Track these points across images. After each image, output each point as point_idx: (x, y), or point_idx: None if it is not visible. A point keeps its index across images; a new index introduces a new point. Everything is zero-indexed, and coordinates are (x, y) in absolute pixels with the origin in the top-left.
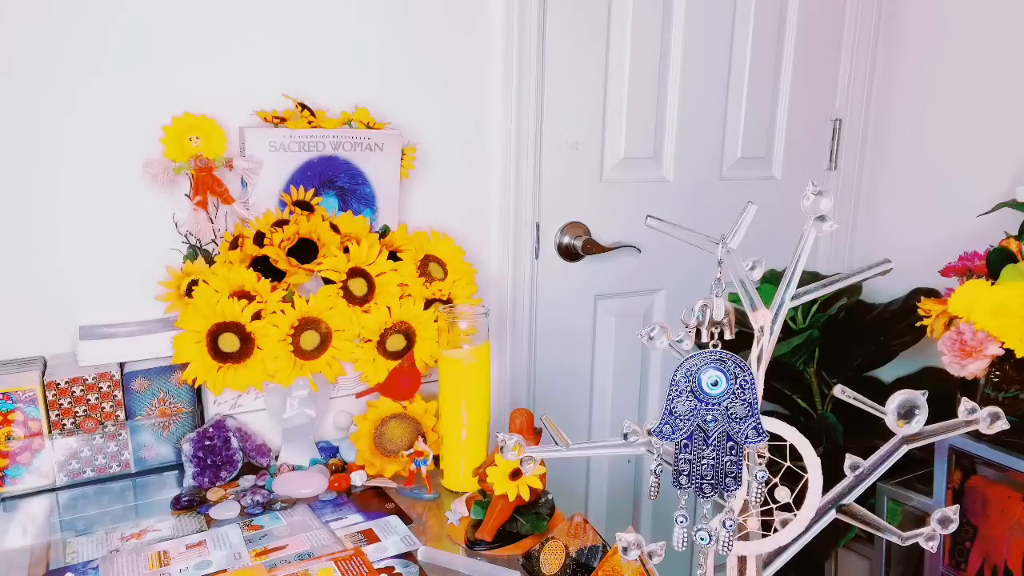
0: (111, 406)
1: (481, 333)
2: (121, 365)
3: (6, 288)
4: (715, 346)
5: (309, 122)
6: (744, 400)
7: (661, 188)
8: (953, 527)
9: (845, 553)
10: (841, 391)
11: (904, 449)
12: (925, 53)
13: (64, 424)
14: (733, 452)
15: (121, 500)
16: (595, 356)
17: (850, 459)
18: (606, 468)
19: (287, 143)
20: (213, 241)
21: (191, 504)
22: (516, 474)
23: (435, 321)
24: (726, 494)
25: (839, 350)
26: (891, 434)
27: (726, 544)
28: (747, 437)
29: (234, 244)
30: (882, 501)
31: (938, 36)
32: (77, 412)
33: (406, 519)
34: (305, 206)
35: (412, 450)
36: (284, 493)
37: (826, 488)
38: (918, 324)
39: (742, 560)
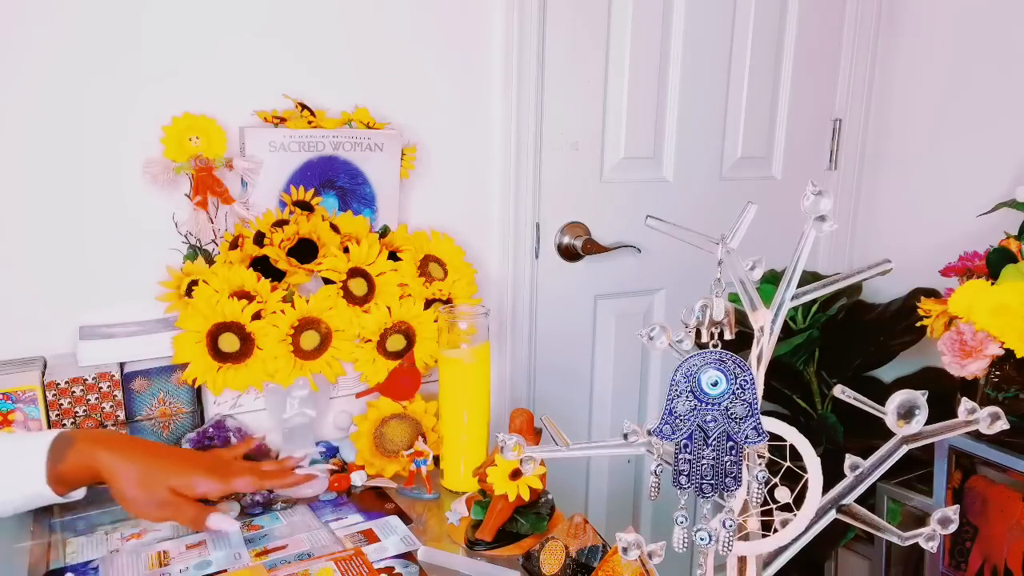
0: (111, 406)
1: (481, 333)
2: (121, 365)
3: (6, 288)
4: (715, 346)
5: (309, 122)
6: (744, 400)
7: (661, 188)
8: (953, 527)
9: (845, 553)
10: (841, 391)
11: (904, 449)
12: (925, 53)
13: (64, 424)
14: (733, 452)
15: None
16: (595, 356)
17: (850, 459)
18: (606, 468)
19: (287, 143)
20: (213, 241)
21: None
22: (516, 474)
23: (435, 321)
24: (726, 494)
25: (839, 350)
26: (891, 434)
27: (726, 544)
28: (747, 437)
29: (234, 244)
30: (882, 501)
31: (938, 36)
32: (77, 412)
33: (406, 519)
34: (305, 206)
35: (412, 450)
36: (284, 493)
37: (826, 488)
38: (918, 324)
39: (742, 560)
